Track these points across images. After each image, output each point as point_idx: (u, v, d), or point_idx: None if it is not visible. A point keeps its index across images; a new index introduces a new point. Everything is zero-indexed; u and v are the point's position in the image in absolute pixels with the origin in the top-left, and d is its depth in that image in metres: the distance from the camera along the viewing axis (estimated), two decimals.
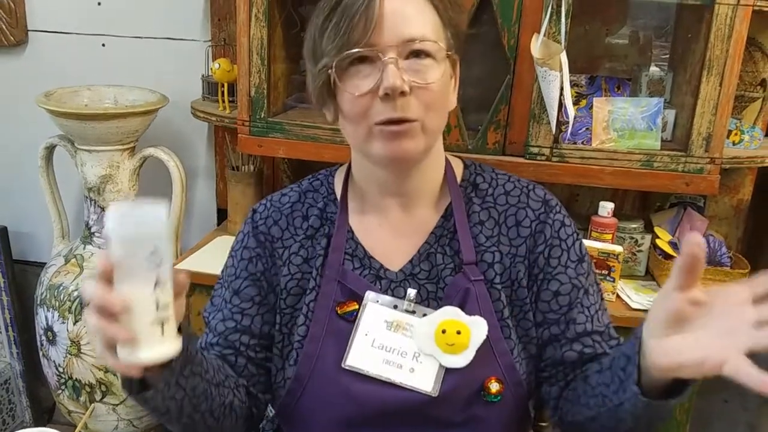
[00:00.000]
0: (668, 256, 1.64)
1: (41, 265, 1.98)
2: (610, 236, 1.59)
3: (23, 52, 2.07)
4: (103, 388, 1.85)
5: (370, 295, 0.97)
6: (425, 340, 0.94)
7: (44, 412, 2.27)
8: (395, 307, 0.96)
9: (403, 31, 0.88)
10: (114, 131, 1.77)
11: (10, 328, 2.15)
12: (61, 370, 1.86)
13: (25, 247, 2.24)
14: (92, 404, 1.85)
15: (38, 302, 1.88)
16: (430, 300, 0.98)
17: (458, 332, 0.92)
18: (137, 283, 0.70)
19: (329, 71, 0.89)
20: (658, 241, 1.67)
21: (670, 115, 1.62)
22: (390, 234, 1.02)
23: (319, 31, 0.91)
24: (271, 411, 1.10)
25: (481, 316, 0.94)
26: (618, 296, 1.58)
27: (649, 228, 1.72)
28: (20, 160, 2.12)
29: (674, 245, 1.65)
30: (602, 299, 1.03)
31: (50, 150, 1.91)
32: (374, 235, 1.02)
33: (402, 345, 0.95)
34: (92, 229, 1.87)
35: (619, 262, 1.54)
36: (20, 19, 2.02)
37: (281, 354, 1.01)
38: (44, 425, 2.11)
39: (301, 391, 0.96)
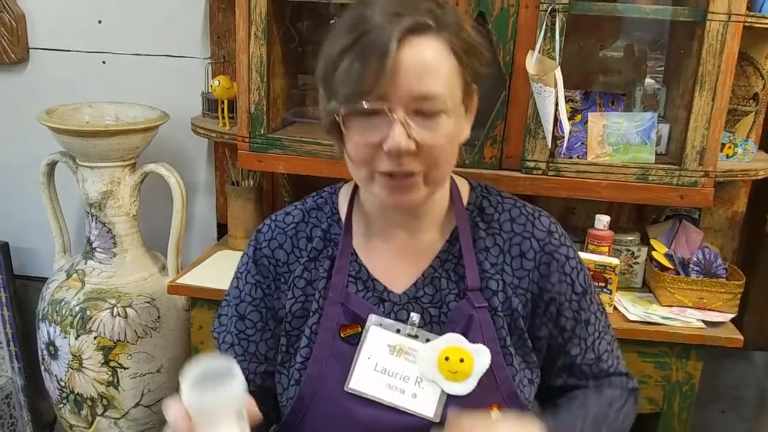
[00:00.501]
0: (664, 268, 1.66)
1: (43, 280, 2.00)
2: (606, 249, 1.61)
3: (24, 69, 2.09)
4: (105, 402, 1.86)
5: (372, 318, 0.97)
6: (428, 365, 0.94)
7: (45, 426, 2.28)
8: (398, 331, 0.97)
9: (416, 87, 0.85)
10: (115, 148, 1.78)
11: (11, 343, 2.16)
12: (62, 384, 1.87)
13: (26, 262, 2.25)
14: (96, 418, 1.86)
15: (40, 317, 1.89)
16: (433, 324, 0.98)
17: (461, 360, 0.93)
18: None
19: (336, 116, 0.88)
20: (654, 254, 1.69)
21: (665, 129, 1.65)
22: (394, 256, 1.02)
23: (332, 63, 0.87)
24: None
25: (484, 344, 0.94)
26: (615, 308, 1.60)
27: (645, 240, 1.74)
28: (22, 177, 2.14)
29: (670, 257, 1.67)
30: (603, 325, 1.04)
31: (52, 166, 1.93)
32: (378, 257, 1.02)
33: (404, 370, 0.95)
34: (93, 245, 1.88)
35: (616, 274, 1.56)
36: (21, 37, 2.04)
37: (287, 374, 1.01)
38: None
39: (303, 412, 0.97)
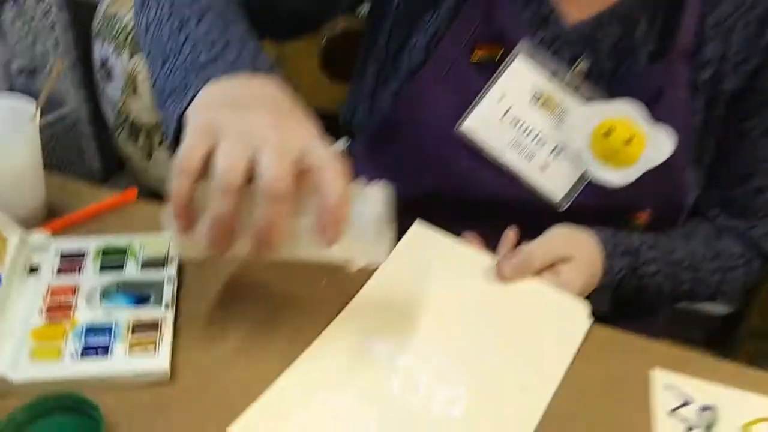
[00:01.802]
0: None
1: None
2: None
3: None
4: (162, 133, 1.74)
5: (524, 45, 0.69)
6: (578, 134, 0.68)
7: (113, 159, 2.21)
8: (554, 73, 0.70)
9: None
10: None
11: (76, 69, 2.04)
12: (118, 108, 1.75)
13: None
14: (153, 150, 1.74)
15: (94, 34, 1.74)
16: (603, 80, 0.70)
17: (629, 140, 0.67)
18: None
19: None
20: None
21: None
22: None
23: None
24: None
25: (671, 129, 0.67)
26: None
27: None
28: None
29: None
30: None
31: None
32: None
33: (543, 129, 0.70)
34: None
35: None
36: None
37: (376, 77, 0.77)
38: (113, 173, 2.09)
39: (389, 140, 0.74)
